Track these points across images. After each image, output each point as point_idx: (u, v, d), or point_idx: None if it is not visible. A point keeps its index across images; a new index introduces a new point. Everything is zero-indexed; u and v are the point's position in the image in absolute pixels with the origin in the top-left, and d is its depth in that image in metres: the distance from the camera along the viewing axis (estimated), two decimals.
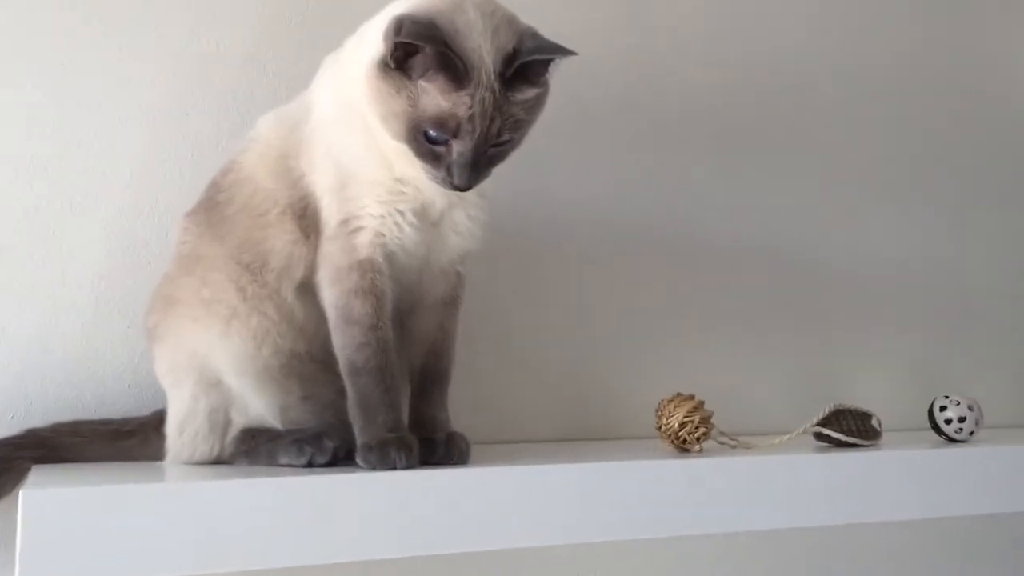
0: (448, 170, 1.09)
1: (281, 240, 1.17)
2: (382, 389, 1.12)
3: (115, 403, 1.35)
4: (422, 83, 1.06)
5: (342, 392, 1.16)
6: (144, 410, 1.31)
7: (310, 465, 1.11)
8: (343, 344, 1.14)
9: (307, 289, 1.17)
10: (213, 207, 1.21)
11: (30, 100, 1.35)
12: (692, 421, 1.28)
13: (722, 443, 1.34)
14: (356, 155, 1.14)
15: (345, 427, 1.15)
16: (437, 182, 1.11)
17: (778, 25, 1.81)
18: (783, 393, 1.71)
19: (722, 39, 1.76)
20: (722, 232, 1.72)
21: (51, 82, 1.36)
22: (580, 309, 1.63)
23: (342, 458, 1.13)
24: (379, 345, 1.13)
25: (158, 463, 1.22)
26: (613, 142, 1.66)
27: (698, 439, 1.29)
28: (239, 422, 1.19)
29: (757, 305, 1.74)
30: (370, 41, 1.12)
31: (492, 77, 1.07)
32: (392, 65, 1.07)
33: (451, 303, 1.23)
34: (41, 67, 1.36)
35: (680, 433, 1.28)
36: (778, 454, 1.27)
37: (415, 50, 1.06)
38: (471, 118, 1.06)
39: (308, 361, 1.18)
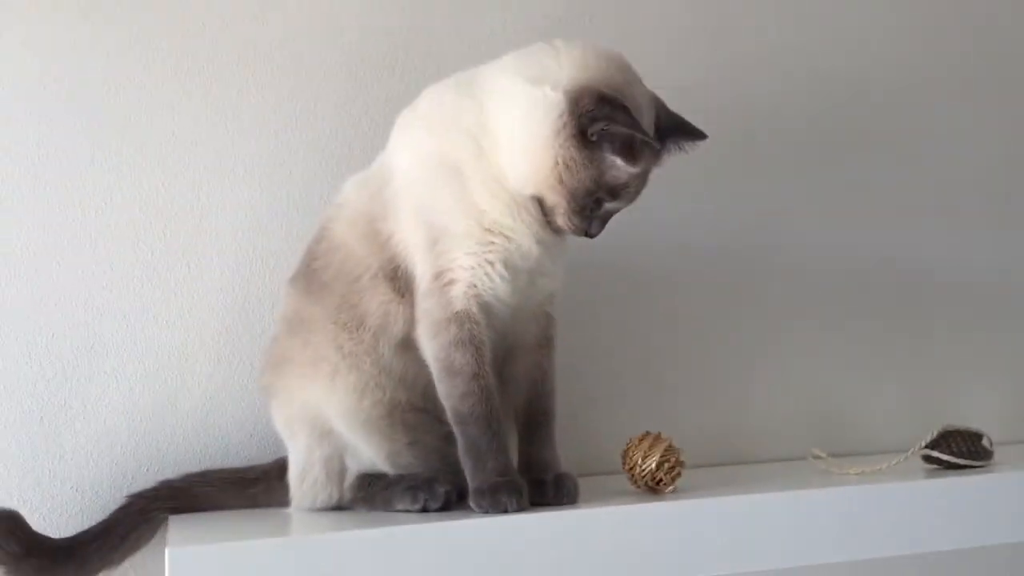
0: (589, 223, 1.19)
1: (376, 301, 1.23)
2: (489, 435, 1.16)
3: (239, 452, 1.44)
4: (613, 158, 1.15)
5: (447, 437, 1.21)
6: (266, 458, 1.39)
7: (424, 510, 1.16)
8: (447, 394, 1.19)
9: (407, 344, 1.23)
10: (311, 274, 1.28)
11: (143, 170, 1.45)
12: (668, 461, 1.23)
13: (825, 468, 1.34)
14: (445, 209, 1.19)
15: (453, 470, 1.20)
16: (574, 231, 1.19)
17: (863, 34, 1.79)
18: (889, 414, 1.69)
19: (799, 50, 1.75)
20: (822, 248, 1.71)
21: (162, 153, 1.46)
22: (678, 334, 1.64)
23: (454, 501, 1.18)
24: (482, 393, 1.17)
25: (284, 510, 1.29)
26: (688, 165, 1.67)
27: (673, 479, 1.24)
28: (354, 469, 1.25)
29: (859, 322, 1.72)
30: (511, 94, 1.16)
31: (655, 153, 1.19)
32: (593, 139, 1.14)
33: (545, 344, 1.27)
34: (151, 139, 1.45)
35: (656, 474, 1.24)
36: (887, 481, 1.27)
37: (613, 129, 1.13)
38: (636, 187, 1.19)
39: (409, 410, 1.24)
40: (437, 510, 1.16)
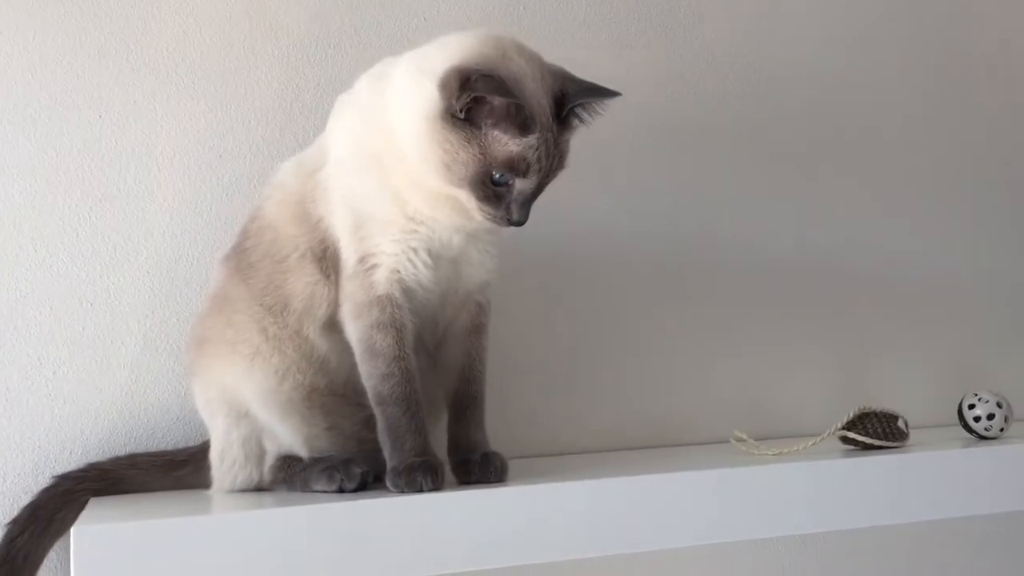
0: (507, 208, 1.15)
1: (302, 282, 1.23)
2: (408, 416, 1.18)
3: (166, 434, 1.43)
4: (494, 132, 1.12)
5: (366, 423, 1.23)
6: (192, 440, 1.40)
7: (341, 491, 1.17)
8: (368, 375, 1.20)
9: (331, 327, 1.23)
10: (241, 252, 1.28)
11: (69, 151, 1.44)
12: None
13: (746, 450, 1.37)
14: (370, 195, 1.20)
15: (371, 455, 1.21)
16: (494, 221, 1.16)
17: (807, 32, 1.81)
18: (810, 397, 1.72)
19: (746, 49, 1.77)
20: (742, 236, 1.74)
21: (88, 133, 1.45)
22: (608, 320, 1.67)
23: (371, 483, 1.19)
24: (403, 375, 1.18)
25: (205, 492, 1.30)
26: (635, 157, 1.69)
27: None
28: (273, 451, 1.26)
29: (780, 309, 1.75)
30: (401, 89, 1.17)
31: (550, 120, 1.14)
32: (461, 117, 1.12)
33: (475, 331, 1.28)
34: (78, 119, 1.45)
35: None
36: (803, 460, 1.29)
37: (481, 101, 1.12)
38: (538, 159, 1.13)
39: (329, 394, 1.25)
40: (353, 491, 1.17)
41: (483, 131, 1.12)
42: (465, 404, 1.26)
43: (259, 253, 1.26)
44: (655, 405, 1.66)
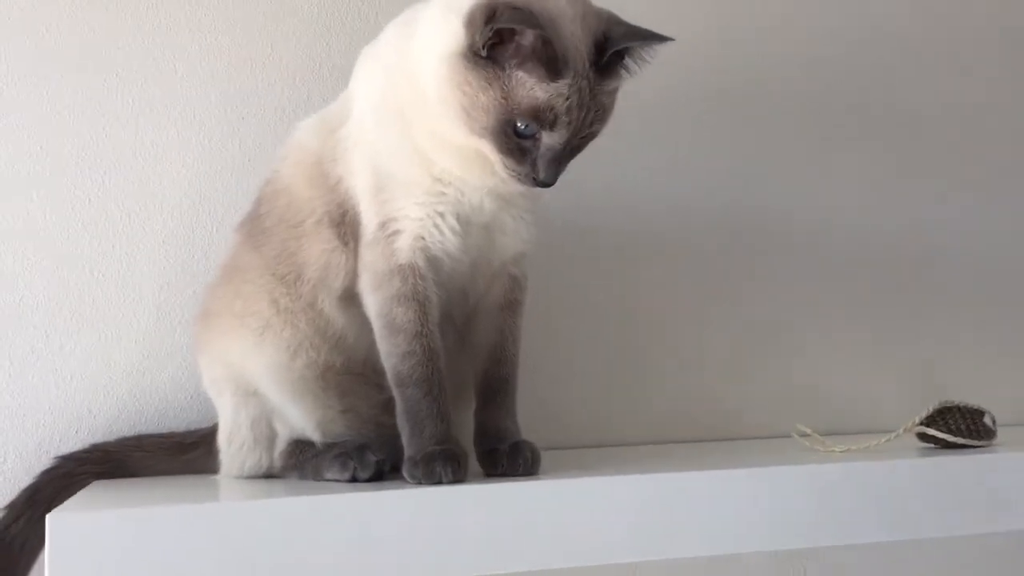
0: (533, 165, 1.02)
1: (317, 249, 1.13)
2: (429, 400, 1.06)
3: (177, 415, 1.34)
4: (519, 73, 1.00)
5: (384, 406, 1.12)
6: (206, 422, 1.29)
7: (354, 480, 1.06)
8: (388, 353, 1.09)
9: (349, 300, 1.13)
10: (256, 219, 1.19)
11: (84, 112, 1.35)
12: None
13: (809, 446, 1.23)
14: (392, 153, 1.09)
15: (389, 441, 1.10)
16: (519, 179, 1.04)
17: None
18: (883, 390, 1.58)
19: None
20: (809, 217, 1.60)
21: (104, 93, 1.36)
22: (661, 302, 1.53)
23: (388, 472, 1.08)
24: (425, 354, 1.07)
25: (213, 477, 1.20)
26: (701, 135, 1.56)
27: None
28: (284, 435, 1.16)
29: (850, 294, 1.61)
30: (429, 30, 1.06)
31: (587, 66, 1.01)
32: (484, 54, 1.00)
33: (509, 307, 1.16)
34: (94, 78, 1.36)
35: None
36: (876, 459, 1.15)
37: (508, 38, 1.00)
38: (568, 109, 1.01)
39: (345, 374, 1.14)
40: (368, 480, 1.06)
41: (507, 72, 1.00)
42: (495, 388, 1.14)
43: (273, 218, 1.16)
44: (708, 395, 1.53)
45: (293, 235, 1.14)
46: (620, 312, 1.51)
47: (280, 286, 1.13)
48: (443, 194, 1.08)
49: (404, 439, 1.07)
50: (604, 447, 1.44)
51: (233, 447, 1.17)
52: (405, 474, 1.03)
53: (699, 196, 1.56)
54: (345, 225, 1.12)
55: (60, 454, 1.26)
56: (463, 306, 1.16)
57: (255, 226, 1.18)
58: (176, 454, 1.27)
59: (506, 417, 1.13)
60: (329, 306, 1.13)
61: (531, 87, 1.00)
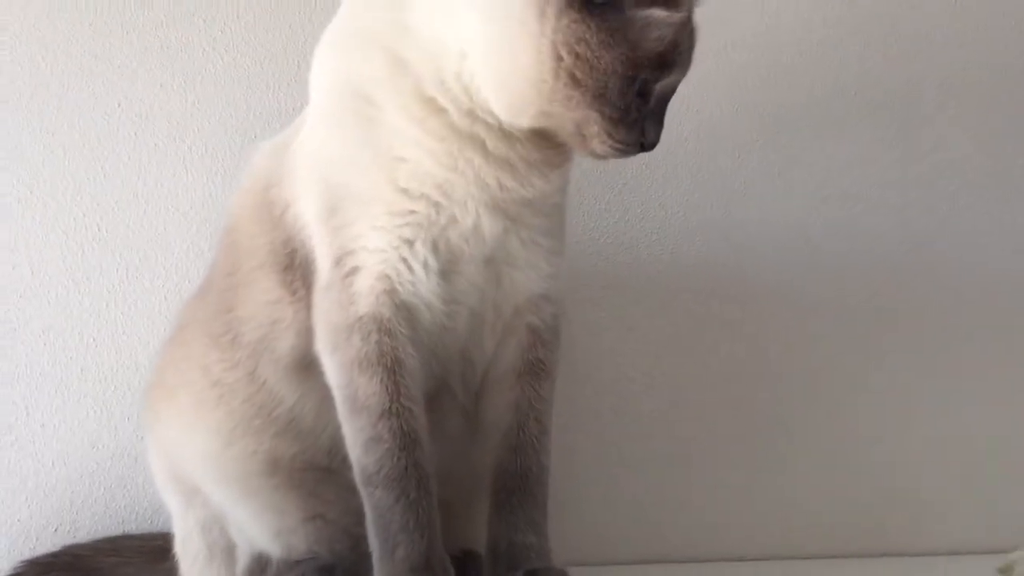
0: (641, 127, 0.80)
1: (257, 302, 0.87)
2: (403, 506, 0.78)
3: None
4: (643, 13, 0.78)
5: (360, 511, 0.83)
6: None
7: None
8: (351, 440, 0.82)
9: (303, 368, 0.87)
10: (210, 265, 0.96)
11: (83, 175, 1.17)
12: None
13: None
14: (344, 152, 0.81)
15: (367, 558, 0.82)
16: (623, 151, 0.81)
17: None
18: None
19: None
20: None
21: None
22: (710, 387, 1.19)
23: None
24: (396, 441, 0.79)
25: None
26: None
27: None
28: (244, 547, 0.90)
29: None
30: None
31: None
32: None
33: (530, 373, 0.86)
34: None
35: None
36: None
37: None
38: (691, 44, 0.82)
39: (307, 469, 0.87)
40: None
41: (628, 13, 0.78)
42: (511, 487, 0.84)
43: (217, 264, 0.93)
44: (775, 507, 1.16)
45: (228, 285, 0.89)
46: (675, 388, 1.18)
47: (213, 350, 0.88)
48: (411, 213, 0.79)
49: (374, 558, 0.79)
50: (650, 564, 1.10)
51: (187, 559, 0.94)
52: None
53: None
54: (294, 269, 0.86)
55: (28, 558, 1.07)
56: (468, 375, 0.87)
57: (207, 274, 0.95)
58: (153, 562, 1.05)
59: (526, 529, 0.83)
60: (274, 377, 0.86)
61: (659, 24, 0.78)
